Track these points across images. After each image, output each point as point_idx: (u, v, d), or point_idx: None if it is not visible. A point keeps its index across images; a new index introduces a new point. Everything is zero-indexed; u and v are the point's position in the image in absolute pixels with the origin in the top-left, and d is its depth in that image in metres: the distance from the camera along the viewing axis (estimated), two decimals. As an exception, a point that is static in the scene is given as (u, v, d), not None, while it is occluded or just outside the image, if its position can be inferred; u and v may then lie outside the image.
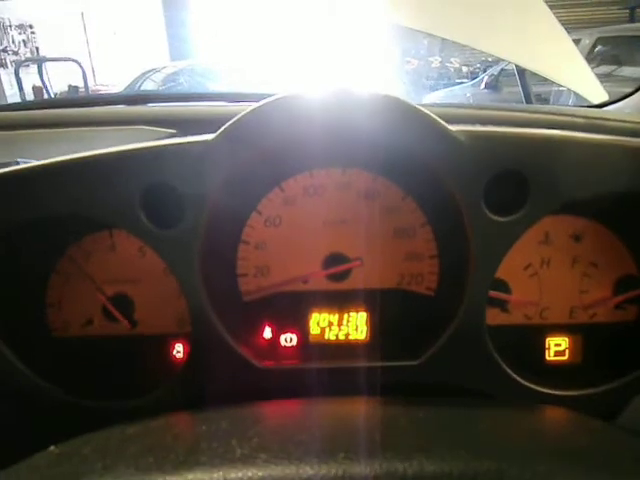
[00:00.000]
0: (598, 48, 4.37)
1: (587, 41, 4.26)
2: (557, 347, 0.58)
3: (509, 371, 0.51)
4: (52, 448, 0.38)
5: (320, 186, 0.57)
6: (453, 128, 0.45)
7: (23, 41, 6.74)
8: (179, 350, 0.59)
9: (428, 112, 0.44)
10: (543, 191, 0.46)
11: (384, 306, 0.58)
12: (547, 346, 0.58)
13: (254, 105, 0.45)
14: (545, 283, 0.57)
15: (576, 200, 0.47)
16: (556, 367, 0.58)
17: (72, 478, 0.31)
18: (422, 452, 0.32)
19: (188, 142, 0.46)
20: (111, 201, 0.47)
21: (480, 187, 0.46)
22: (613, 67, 4.12)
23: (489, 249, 0.48)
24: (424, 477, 0.30)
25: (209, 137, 0.46)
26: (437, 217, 0.56)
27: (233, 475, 0.30)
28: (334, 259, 0.57)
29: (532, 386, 0.52)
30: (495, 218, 0.47)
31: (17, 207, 0.48)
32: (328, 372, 0.53)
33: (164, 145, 0.47)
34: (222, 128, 0.46)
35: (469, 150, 0.45)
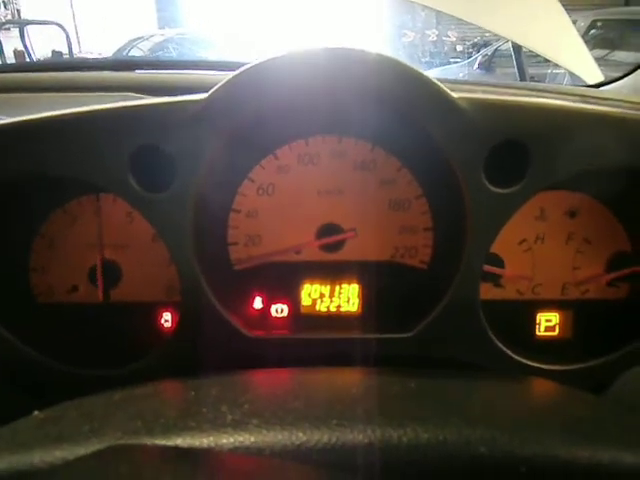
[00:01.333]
0: (593, 31, 4.34)
1: (582, 23, 4.22)
2: (548, 322, 0.58)
3: (500, 345, 0.51)
4: (36, 413, 0.37)
5: (315, 154, 0.55)
6: (455, 95, 0.43)
7: (3, 2, 6.46)
8: (167, 319, 0.58)
9: (431, 77, 0.43)
10: (544, 163, 0.45)
11: (377, 278, 0.57)
12: (538, 321, 0.58)
13: (249, 64, 0.43)
14: (539, 259, 0.57)
15: (575, 173, 0.46)
16: (546, 342, 0.58)
17: (57, 440, 0.30)
18: (416, 420, 0.31)
19: (180, 101, 0.44)
20: (98, 162, 0.45)
21: (480, 156, 0.45)
22: (607, 51, 4.10)
23: (486, 221, 0.47)
24: (418, 444, 0.30)
25: (202, 97, 0.44)
26: (433, 189, 0.55)
27: (224, 440, 0.30)
28: (328, 229, 0.56)
29: (522, 360, 0.52)
30: (494, 189, 0.46)
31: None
32: (319, 343, 0.52)
33: (155, 104, 0.45)
34: (215, 87, 0.44)
35: (471, 118, 0.43)
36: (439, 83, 0.43)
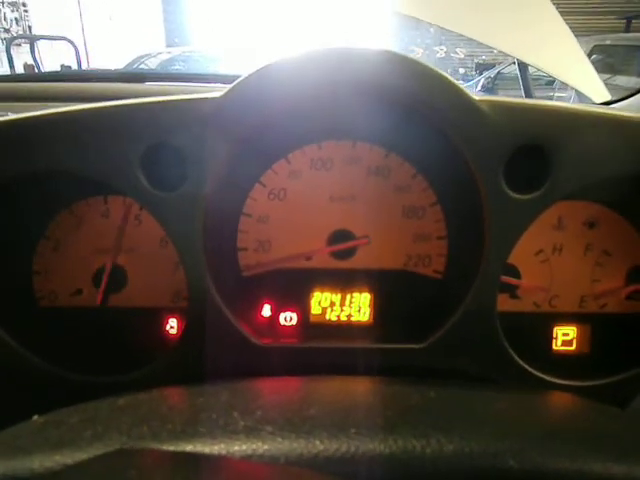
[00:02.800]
0: (594, 56, 4.40)
1: (584, 49, 4.27)
2: (565, 337, 0.56)
3: (517, 359, 0.49)
4: (36, 417, 0.35)
5: (328, 159, 0.54)
6: (476, 98, 0.43)
7: (15, 19, 6.57)
8: (172, 325, 0.56)
9: (453, 80, 0.42)
10: (566, 169, 0.44)
11: (389, 288, 0.56)
12: (555, 335, 0.56)
13: (266, 62, 0.43)
14: (556, 270, 0.55)
15: (599, 179, 0.45)
16: (563, 357, 0.56)
17: (57, 445, 0.29)
18: (440, 430, 0.30)
19: (194, 99, 0.44)
20: (110, 159, 0.44)
21: (500, 160, 0.43)
22: (608, 75, 4.15)
23: (505, 228, 0.46)
24: (442, 456, 0.28)
25: (216, 95, 0.43)
26: (448, 196, 0.54)
27: (236, 447, 0.28)
28: (339, 236, 0.55)
29: (539, 374, 0.50)
30: (513, 195, 0.45)
31: (7, 159, 0.44)
32: (329, 352, 0.51)
33: (168, 101, 0.44)
34: (231, 86, 0.43)
35: (492, 120, 0.42)
36: (460, 85, 0.42)
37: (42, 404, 0.38)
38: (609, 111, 0.44)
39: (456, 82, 0.42)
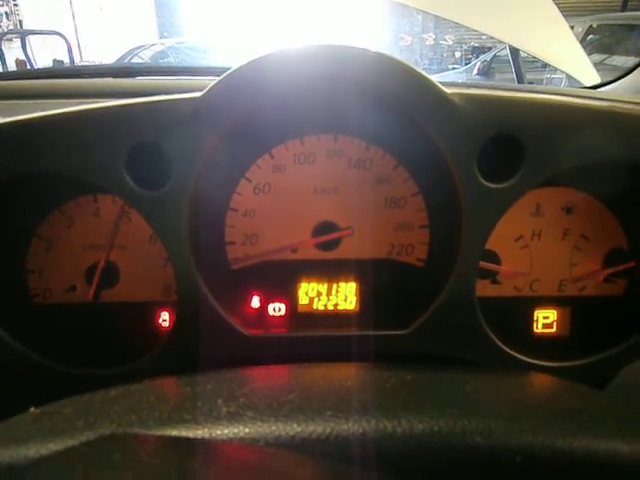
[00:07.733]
0: (590, 36, 4.36)
1: (580, 29, 4.24)
2: (545, 320, 0.58)
3: (498, 342, 0.51)
4: (32, 409, 0.37)
5: (311, 153, 0.56)
6: (448, 91, 0.44)
7: (5, 13, 6.52)
8: (165, 319, 0.58)
9: (424, 73, 0.43)
10: (538, 158, 0.45)
11: (374, 276, 0.57)
12: (535, 318, 0.58)
13: (251, 57, 0.44)
14: (536, 255, 0.57)
15: (571, 169, 0.46)
16: (544, 339, 0.58)
17: (51, 434, 0.30)
18: (410, 411, 0.31)
19: (176, 99, 0.45)
20: (95, 161, 0.45)
21: (474, 151, 0.45)
22: (605, 55, 4.12)
23: (480, 216, 0.47)
24: (413, 435, 0.30)
25: (197, 95, 0.44)
26: (429, 186, 0.55)
27: (218, 432, 0.30)
28: (324, 228, 0.57)
29: (520, 357, 0.52)
30: (487, 184, 0.46)
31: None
32: (316, 341, 0.52)
33: (150, 102, 0.45)
34: (211, 85, 0.44)
35: (464, 112, 0.44)
36: (431, 77, 0.43)
37: (39, 397, 0.40)
38: (580, 100, 0.45)
39: (429, 76, 0.43)
